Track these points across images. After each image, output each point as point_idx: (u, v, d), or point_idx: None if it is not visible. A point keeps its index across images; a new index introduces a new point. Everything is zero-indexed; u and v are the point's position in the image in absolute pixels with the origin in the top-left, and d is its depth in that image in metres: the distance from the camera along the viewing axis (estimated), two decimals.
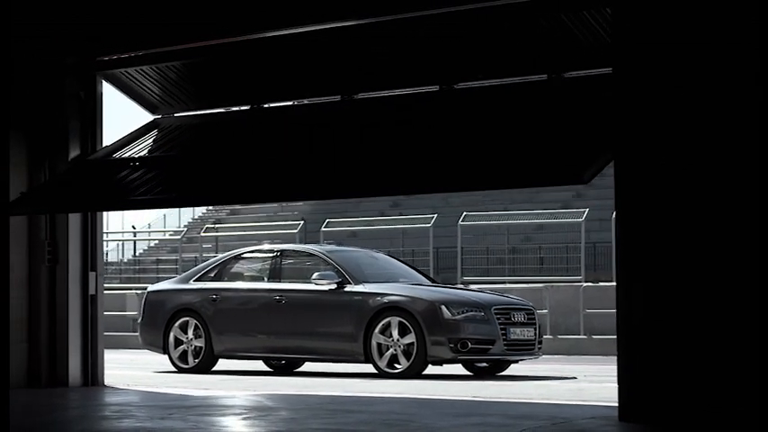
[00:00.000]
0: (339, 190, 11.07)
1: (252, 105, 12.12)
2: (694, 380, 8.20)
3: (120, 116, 72.06)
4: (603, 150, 9.16)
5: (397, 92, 11.33)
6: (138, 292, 27.80)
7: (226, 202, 12.25)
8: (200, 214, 55.25)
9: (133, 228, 45.51)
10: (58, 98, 12.38)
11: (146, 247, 48.22)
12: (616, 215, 8.71)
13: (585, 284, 24.03)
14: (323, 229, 30.02)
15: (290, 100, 12.29)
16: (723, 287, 8.09)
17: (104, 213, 12.91)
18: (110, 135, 12.81)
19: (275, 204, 51.50)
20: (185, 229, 40.91)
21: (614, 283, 24.18)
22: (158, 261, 42.29)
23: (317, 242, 27.19)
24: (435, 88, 11.03)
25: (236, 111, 12.41)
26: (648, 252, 8.39)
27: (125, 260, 43.74)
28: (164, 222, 55.29)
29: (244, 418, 9.17)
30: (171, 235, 46.54)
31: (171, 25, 11.82)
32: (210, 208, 56.54)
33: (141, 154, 12.28)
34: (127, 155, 12.32)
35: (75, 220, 12.44)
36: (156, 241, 48.38)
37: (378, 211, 46.04)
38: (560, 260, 34.14)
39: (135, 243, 43.96)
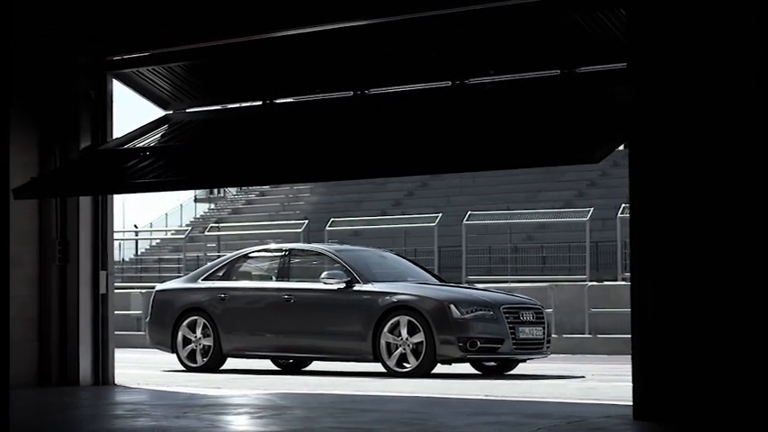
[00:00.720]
0: (355, 170, 11.08)
1: (264, 101, 12.16)
2: (708, 378, 8.22)
3: (131, 113, 72.13)
4: (614, 132, 9.21)
5: (409, 87, 11.39)
6: (143, 291, 27.83)
7: (237, 183, 12.20)
8: (202, 213, 55.29)
9: (135, 227, 45.55)
10: (70, 97, 12.40)
11: (147, 246, 48.24)
12: (630, 213, 8.72)
13: (590, 284, 24.06)
14: (327, 228, 30.03)
15: (301, 96, 12.29)
16: (734, 285, 8.10)
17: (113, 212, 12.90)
18: (120, 132, 12.85)
19: (277, 203, 51.58)
20: (188, 228, 40.94)
21: (619, 283, 24.29)
22: (160, 260, 42.34)
23: (319, 241, 27.20)
24: (447, 84, 11.10)
25: (249, 106, 12.45)
26: (660, 250, 8.42)
27: (126, 259, 43.77)
28: (165, 221, 55.34)
29: (258, 417, 9.18)
30: (173, 234, 46.59)
31: (181, 25, 11.83)
32: (212, 207, 56.61)
33: (152, 144, 12.31)
34: (138, 145, 12.34)
35: (85, 219, 12.46)
36: (158, 240, 48.40)
37: (379, 210, 46.06)
38: (563, 259, 34.16)
39: (137, 242, 43.98)
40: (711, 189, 8.21)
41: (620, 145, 9.45)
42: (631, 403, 8.94)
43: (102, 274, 12.56)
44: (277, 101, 12.18)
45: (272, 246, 17.59)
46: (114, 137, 12.76)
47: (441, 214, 30.68)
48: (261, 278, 16.25)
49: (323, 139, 11.10)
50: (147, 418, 9.14)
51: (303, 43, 11.28)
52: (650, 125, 8.46)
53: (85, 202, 12.46)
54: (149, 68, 12.54)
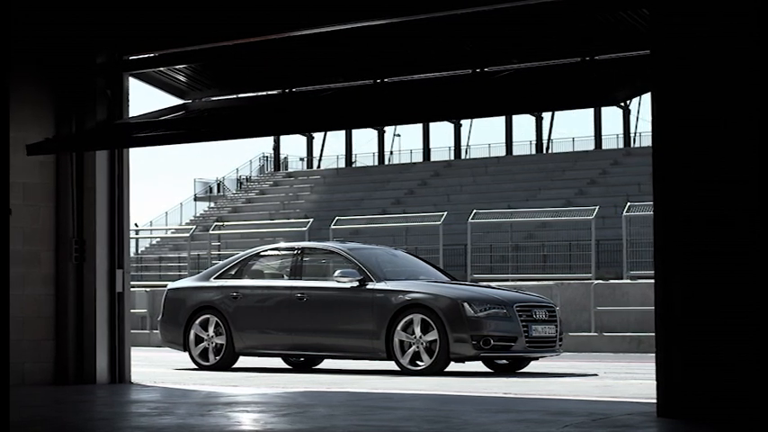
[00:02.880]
0: (378, 117, 11.13)
1: (283, 90, 12.23)
2: (734, 376, 8.23)
3: (148, 106, 72.45)
4: (632, 78, 9.23)
5: (430, 75, 11.51)
6: (147, 290, 27.83)
7: (259, 133, 12.12)
8: (202, 212, 55.31)
9: (135, 225, 45.52)
10: (87, 95, 12.42)
11: (147, 245, 48.25)
12: (654, 210, 8.72)
13: (596, 282, 24.09)
14: (332, 226, 30.05)
15: (320, 85, 12.37)
16: (764, 283, 8.12)
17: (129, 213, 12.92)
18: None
19: (277, 202, 51.57)
20: (192, 227, 40.96)
21: (624, 281, 24.27)
22: (161, 259, 42.34)
23: (320, 239, 27.20)
24: (467, 72, 11.20)
25: (270, 93, 12.53)
26: (687, 248, 8.42)
27: None
28: (165, 219, 55.36)
29: (283, 415, 9.19)
30: (173, 233, 46.58)
31: (199, 25, 11.87)
32: (212, 205, 56.63)
33: (167, 119, 12.39)
34: (153, 120, 12.42)
35: (102, 217, 12.48)
36: (158, 239, 48.41)
37: (380, 208, 46.06)
38: (564, 258, 34.22)
39: (137, 241, 43.98)
40: (738, 183, 8.22)
41: (639, 92, 9.48)
42: (650, 400, 8.99)
43: (119, 272, 12.60)
44: (296, 89, 12.28)
45: (284, 244, 17.60)
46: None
47: (446, 213, 30.68)
48: (273, 276, 16.26)
49: (343, 99, 11.20)
50: (172, 415, 9.15)
51: (323, 40, 11.31)
52: (673, 119, 8.47)
53: (102, 201, 12.48)
54: (166, 67, 12.57)
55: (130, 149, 12.68)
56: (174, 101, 13.12)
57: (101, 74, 12.43)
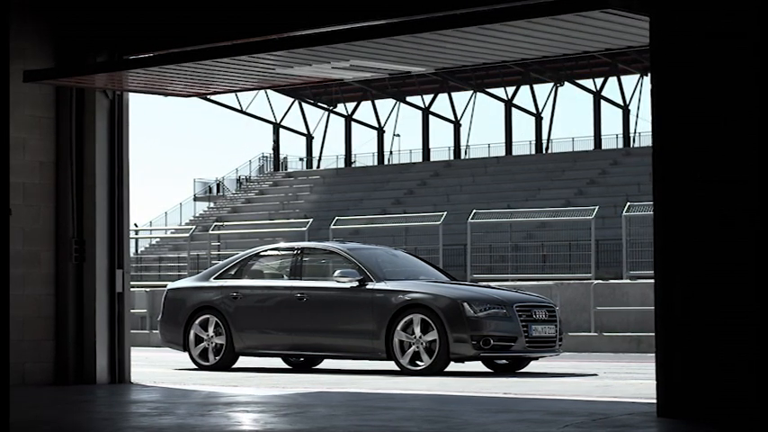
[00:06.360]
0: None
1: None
2: (734, 377, 8.24)
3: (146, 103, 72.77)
4: None
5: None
6: (147, 290, 27.85)
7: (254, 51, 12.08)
8: (202, 212, 55.34)
9: (135, 225, 45.54)
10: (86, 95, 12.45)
11: (147, 245, 48.28)
12: (654, 211, 8.72)
13: (596, 282, 24.10)
14: (332, 227, 30.05)
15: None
16: (764, 283, 8.12)
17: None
18: (134, 123, 12.91)
19: (276, 202, 51.60)
20: (192, 227, 40.98)
21: (624, 281, 24.26)
22: (161, 259, 42.36)
23: (320, 239, 27.20)
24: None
25: None
26: (688, 248, 8.42)
27: None
28: (165, 220, 55.39)
29: (283, 415, 9.20)
30: (172, 233, 46.60)
31: (198, 25, 11.87)
32: (212, 205, 56.65)
33: None
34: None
35: (102, 217, 12.49)
36: (158, 239, 48.43)
37: (380, 208, 46.08)
38: (563, 258, 34.24)
39: (137, 241, 44.01)
40: (738, 183, 8.22)
41: (633, 2, 9.30)
42: (650, 400, 9.00)
43: (119, 272, 12.60)
44: None
45: (284, 244, 17.61)
46: (129, 126, 12.80)
47: (445, 213, 30.70)
48: (273, 277, 16.26)
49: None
50: (172, 416, 9.15)
51: (323, 40, 11.31)
52: (674, 118, 8.48)
53: (102, 201, 12.49)
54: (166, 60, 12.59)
55: (130, 153, 12.71)
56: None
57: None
